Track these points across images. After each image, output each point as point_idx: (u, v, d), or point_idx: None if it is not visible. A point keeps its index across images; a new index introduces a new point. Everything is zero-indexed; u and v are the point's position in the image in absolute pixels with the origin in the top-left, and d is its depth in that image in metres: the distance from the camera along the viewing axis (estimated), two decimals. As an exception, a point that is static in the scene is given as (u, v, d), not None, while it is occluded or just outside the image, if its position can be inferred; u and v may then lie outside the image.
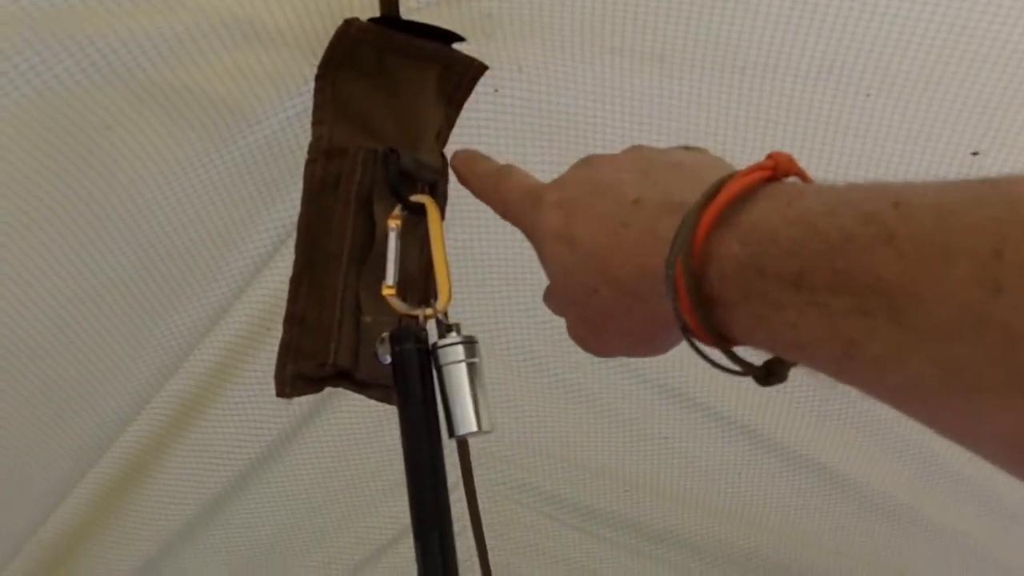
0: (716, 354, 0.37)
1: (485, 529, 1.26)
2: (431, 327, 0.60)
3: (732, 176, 0.36)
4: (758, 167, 0.36)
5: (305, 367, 0.63)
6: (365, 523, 1.16)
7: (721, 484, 1.18)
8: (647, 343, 0.45)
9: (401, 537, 1.20)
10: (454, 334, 0.57)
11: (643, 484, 1.19)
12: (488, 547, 1.29)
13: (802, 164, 0.37)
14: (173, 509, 1.00)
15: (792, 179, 0.37)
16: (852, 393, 0.95)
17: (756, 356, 0.38)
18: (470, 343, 0.57)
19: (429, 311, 0.59)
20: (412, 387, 0.56)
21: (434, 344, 0.58)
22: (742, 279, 0.34)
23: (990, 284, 0.25)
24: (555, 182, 0.48)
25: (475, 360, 0.57)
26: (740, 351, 0.37)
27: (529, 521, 1.27)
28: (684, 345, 0.40)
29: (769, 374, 0.38)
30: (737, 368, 0.37)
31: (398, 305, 0.60)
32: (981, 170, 0.80)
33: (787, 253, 0.32)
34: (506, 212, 0.53)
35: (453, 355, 0.56)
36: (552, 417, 1.12)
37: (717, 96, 0.80)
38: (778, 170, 0.36)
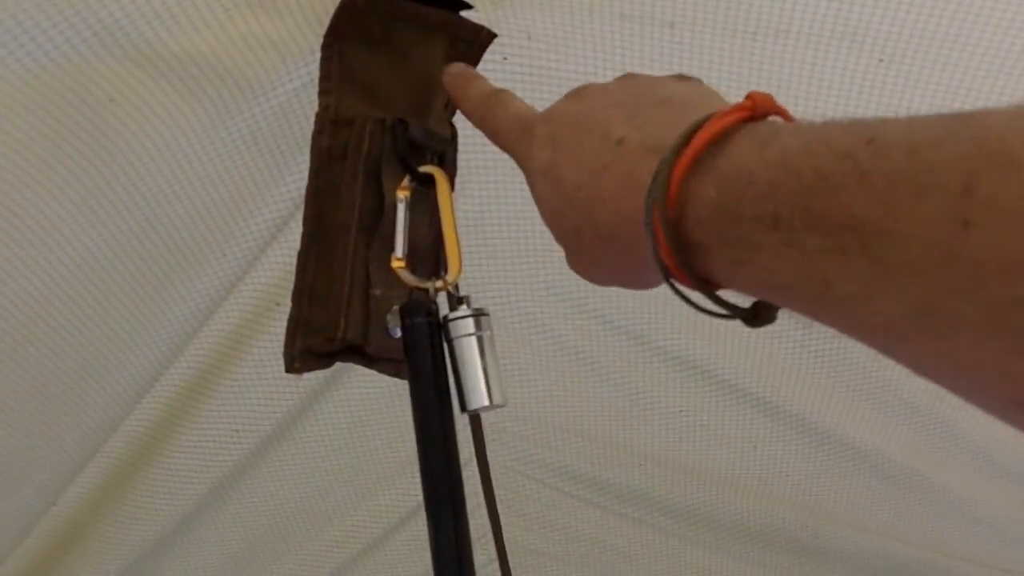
0: (701, 298, 0.37)
1: (499, 505, 1.26)
2: (442, 300, 0.59)
3: (711, 117, 0.36)
4: (736, 108, 0.36)
5: (314, 342, 0.62)
6: (379, 500, 1.16)
7: (737, 457, 1.18)
8: (639, 280, 0.45)
9: (416, 513, 1.20)
10: (464, 307, 0.56)
11: (658, 458, 1.19)
12: (502, 523, 1.28)
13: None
14: (185, 487, 1.00)
15: (773, 119, 0.36)
16: (865, 363, 0.94)
17: (746, 299, 0.37)
18: (481, 316, 0.56)
19: (439, 284, 0.58)
20: (422, 361, 0.55)
21: (444, 317, 0.57)
22: (719, 223, 0.34)
23: (959, 220, 0.25)
24: (546, 113, 0.48)
25: (486, 333, 0.56)
26: (730, 295, 0.37)
27: (543, 496, 1.26)
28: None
29: (756, 315, 0.38)
30: (723, 311, 0.37)
31: (408, 278, 0.59)
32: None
33: (763, 195, 0.32)
34: (497, 140, 0.53)
35: (464, 328, 0.55)
36: (566, 390, 1.12)
37: (728, 61, 0.79)
38: (757, 110, 0.36)
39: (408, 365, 0.56)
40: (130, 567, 1.05)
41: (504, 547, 1.32)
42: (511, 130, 0.51)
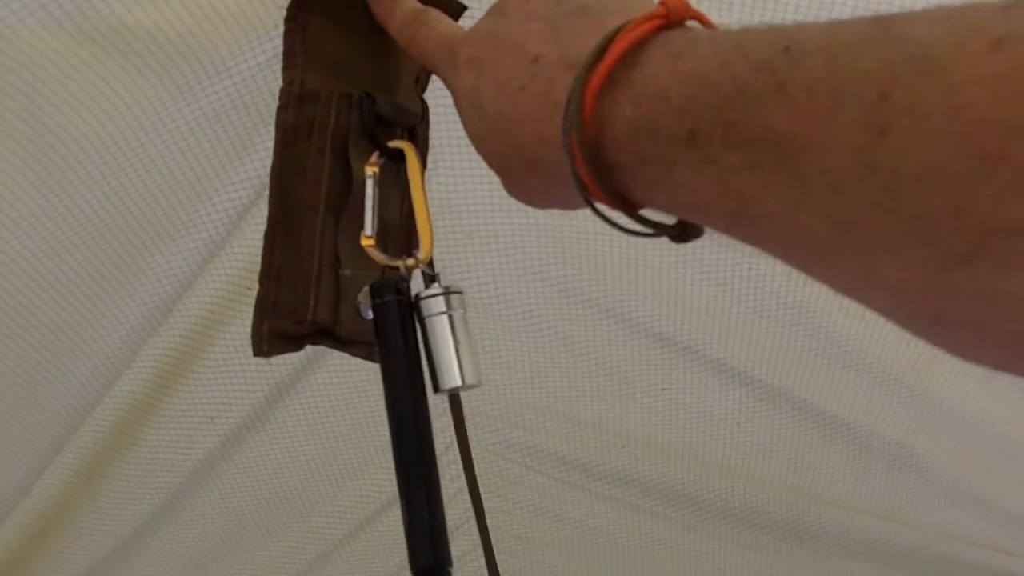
0: (625, 219, 0.36)
1: (482, 489, 1.25)
2: (416, 280, 0.57)
3: (624, 27, 0.34)
4: (647, 16, 0.34)
5: (283, 324, 0.60)
6: (359, 486, 1.15)
7: (720, 435, 1.17)
8: (569, 201, 0.43)
9: (396, 500, 1.18)
10: (436, 285, 0.55)
11: (642, 438, 1.18)
12: (485, 507, 1.27)
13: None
14: (158, 478, 0.98)
15: (691, 24, 0.34)
16: (850, 338, 0.92)
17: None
18: (453, 294, 0.54)
19: (411, 261, 0.56)
20: (394, 340, 0.53)
21: (416, 296, 0.55)
22: (636, 143, 0.32)
23: (876, 127, 0.24)
24: (468, 34, 0.46)
25: (459, 312, 0.54)
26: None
27: (526, 480, 1.25)
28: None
29: (684, 232, 0.36)
30: (648, 230, 0.36)
31: (377, 256, 0.57)
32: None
33: (679, 111, 0.30)
34: (426, 63, 0.51)
35: (436, 307, 0.53)
36: (545, 372, 1.11)
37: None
38: (671, 16, 0.34)
39: (378, 345, 0.54)
40: (104, 559, 1.03)
41: (487, 531, 1.31)
42: (437, 52, 0.49)
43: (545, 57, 0.38)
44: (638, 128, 0.32)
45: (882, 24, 0.26)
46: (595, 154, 0.34)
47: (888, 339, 1.02)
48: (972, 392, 1.07)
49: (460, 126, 0.53)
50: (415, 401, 0.52)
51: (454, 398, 1.10)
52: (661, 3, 0.34)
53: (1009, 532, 1.27)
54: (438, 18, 0.52)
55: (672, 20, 0.34)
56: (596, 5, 0.40)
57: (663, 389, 1.11)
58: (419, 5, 0.54)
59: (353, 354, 0.64)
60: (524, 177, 0.42)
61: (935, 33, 0.24)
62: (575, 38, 0.38)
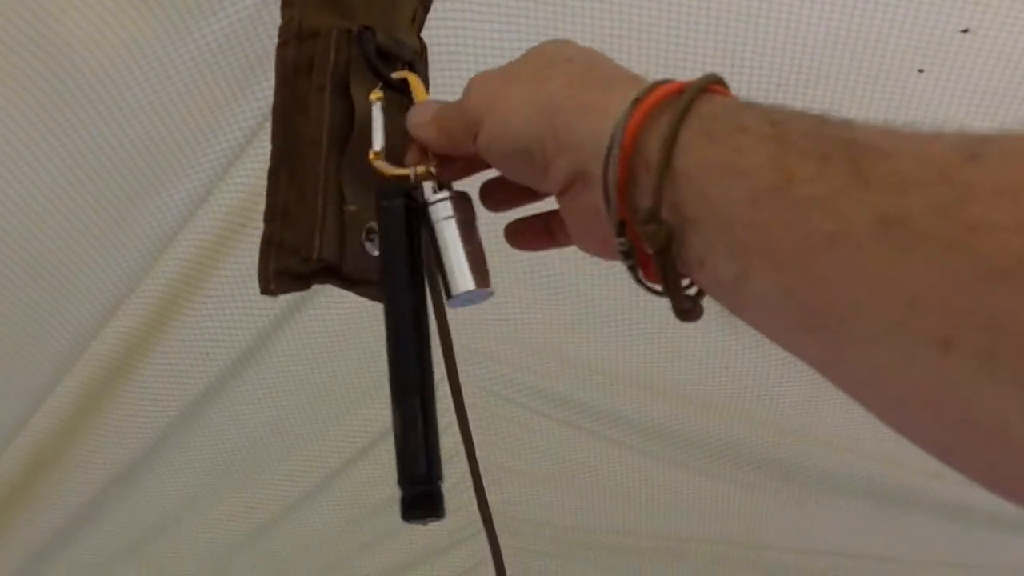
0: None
1: (471, 424, 1.26)
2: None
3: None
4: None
5: (289, 262, 0.60)
6: (353, 418, 1.16)
7: (708, 376, 1.18)
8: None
9: (387, 434, 1.19)
10: (446, 191, 0.53)
11: (629, 378, 1.19)
12: (475, 442, 1.29)
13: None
14: (157, 409, 0.99)
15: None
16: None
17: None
18: (462, 199, 0.53)
19: (421, 169, 0.54)
20: (397, 243, 0.52)
21: (424, 201, 0.53)
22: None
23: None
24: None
25: (468, 216, 0.53)
26: None
27: (515, 415, 1.27)
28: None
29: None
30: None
31: (386, 168, 0.56)
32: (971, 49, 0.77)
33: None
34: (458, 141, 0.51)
35: (444, 211, 0.52)
36: (536, 312, 1.11)
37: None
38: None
39: (381, 249, 0.53)
40: (101, 490, 1.04)
41: (477, 464, 1.33)
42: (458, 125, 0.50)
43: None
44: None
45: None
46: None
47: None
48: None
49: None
50: (415, 309, 0.51)
51: (444, 331, 1.11)
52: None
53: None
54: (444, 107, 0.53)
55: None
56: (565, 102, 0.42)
57: (651, 332, 1.12)
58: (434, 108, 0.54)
59: (360, 293, 0.64)
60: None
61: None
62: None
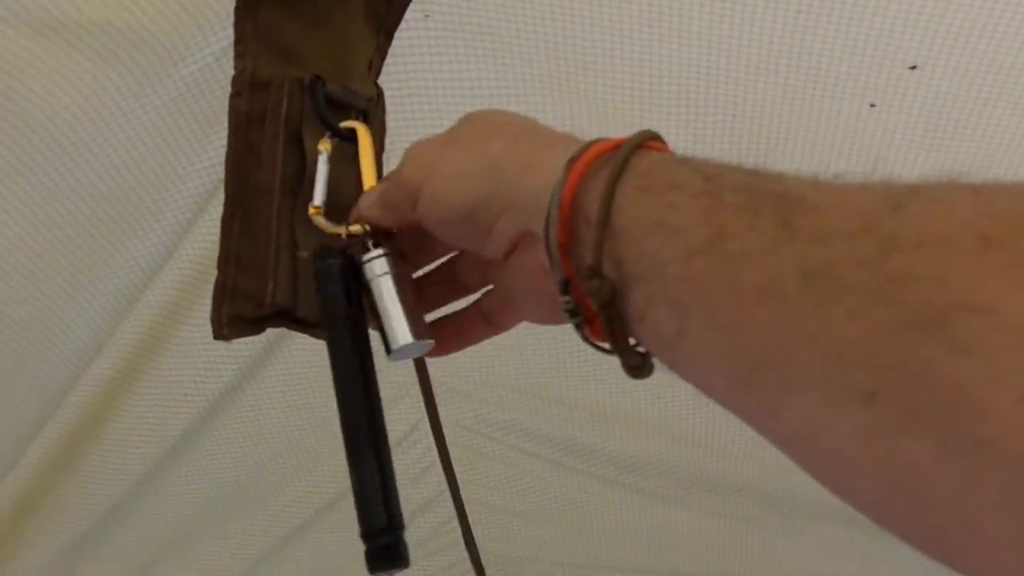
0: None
1: (455, 464, 1.27)
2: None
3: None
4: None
5: (243, 308, 0.62)
6: (332, 461, 1.16)
7: (690, 411, 1.18)
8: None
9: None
10: (379, 248, 0.53)
11: (611, 413, 1.19)
12: (459, 481, 1.29)
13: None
14: (134, 455, 0.99)
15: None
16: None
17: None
18: (397, 256, 0.53)
19: (355, 228, 0.54)
20: (335, 301, 0.52)
21: (360, 259, 0.54)
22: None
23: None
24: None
25: (404, 272, 0.53)
26: None
27: (499, 454, 1.27)
28: None
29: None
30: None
31: (323, 224, 0.57)
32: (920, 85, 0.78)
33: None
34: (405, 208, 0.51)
35: (379, 268, 0.52)
36: (514, 349, 1.12)
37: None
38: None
39: (321, 308, 0.53)
40: (80, 537, 1.04)
41: (463, 504, 1.33)
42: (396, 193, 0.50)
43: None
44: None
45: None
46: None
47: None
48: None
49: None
50: (361, 361, 0.51)
51: (422, 372, 1.12)
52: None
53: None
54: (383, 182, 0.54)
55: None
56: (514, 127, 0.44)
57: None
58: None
59: (314, 335, 0.65)
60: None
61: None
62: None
